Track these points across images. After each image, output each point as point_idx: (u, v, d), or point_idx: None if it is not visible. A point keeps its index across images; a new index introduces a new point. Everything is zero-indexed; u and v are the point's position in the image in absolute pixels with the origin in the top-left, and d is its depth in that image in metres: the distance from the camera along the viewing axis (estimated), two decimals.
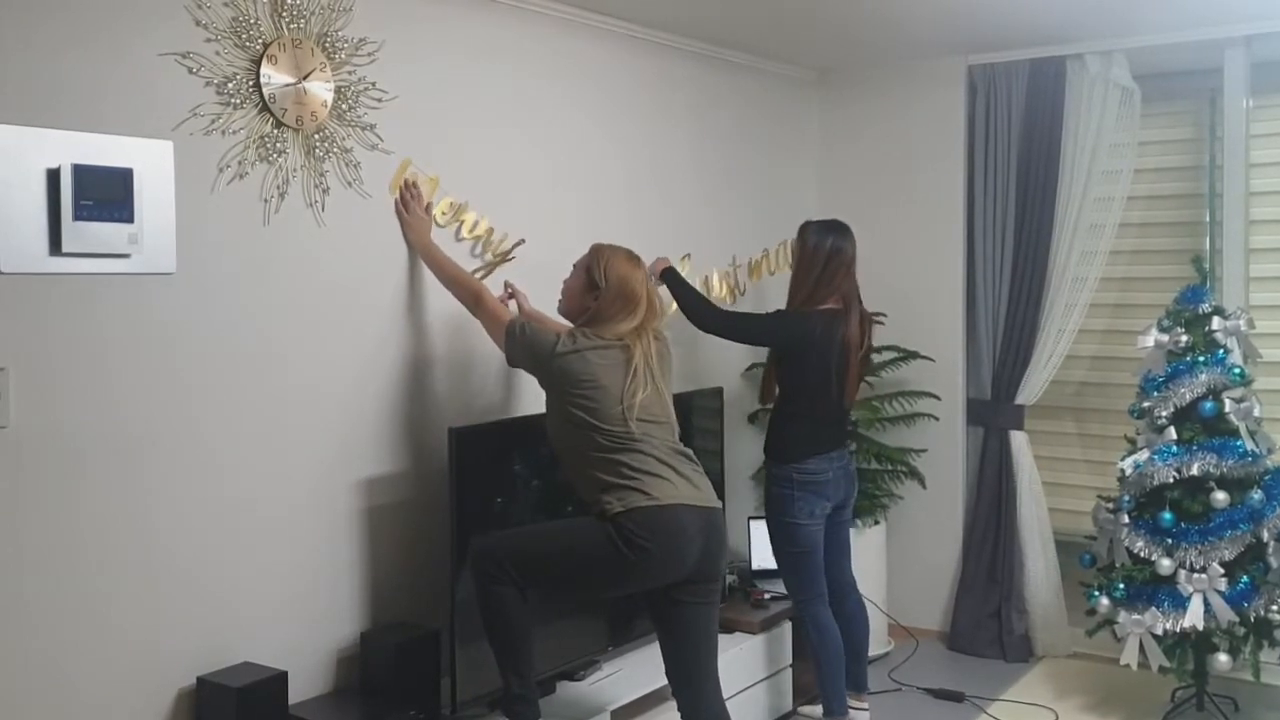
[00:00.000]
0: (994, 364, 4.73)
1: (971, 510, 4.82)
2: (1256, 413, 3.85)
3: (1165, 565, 3.73)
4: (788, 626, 4.07)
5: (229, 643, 2.87)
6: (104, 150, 2.58)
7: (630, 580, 2.96)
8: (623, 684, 3.48)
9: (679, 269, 3.95)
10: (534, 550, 3.02)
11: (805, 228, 3.83)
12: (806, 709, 4.08)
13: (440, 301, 3.42)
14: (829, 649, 3.77)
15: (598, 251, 3.14)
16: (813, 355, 3.69)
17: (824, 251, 3.73)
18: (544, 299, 3.81)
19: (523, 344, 3.05)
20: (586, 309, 3.09)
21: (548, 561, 3.01)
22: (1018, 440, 4.67)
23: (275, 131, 2.93)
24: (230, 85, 2.83)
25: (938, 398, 4.78)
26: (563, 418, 3.00)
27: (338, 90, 3.08)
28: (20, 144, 2.44)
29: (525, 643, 2.99)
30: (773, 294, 4.56)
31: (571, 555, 2.98)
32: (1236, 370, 3.82)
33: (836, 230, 3.80)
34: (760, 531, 4.38)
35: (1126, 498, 3.90)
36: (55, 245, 2.50)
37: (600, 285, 3.07)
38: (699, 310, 3.81)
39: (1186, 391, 3.80)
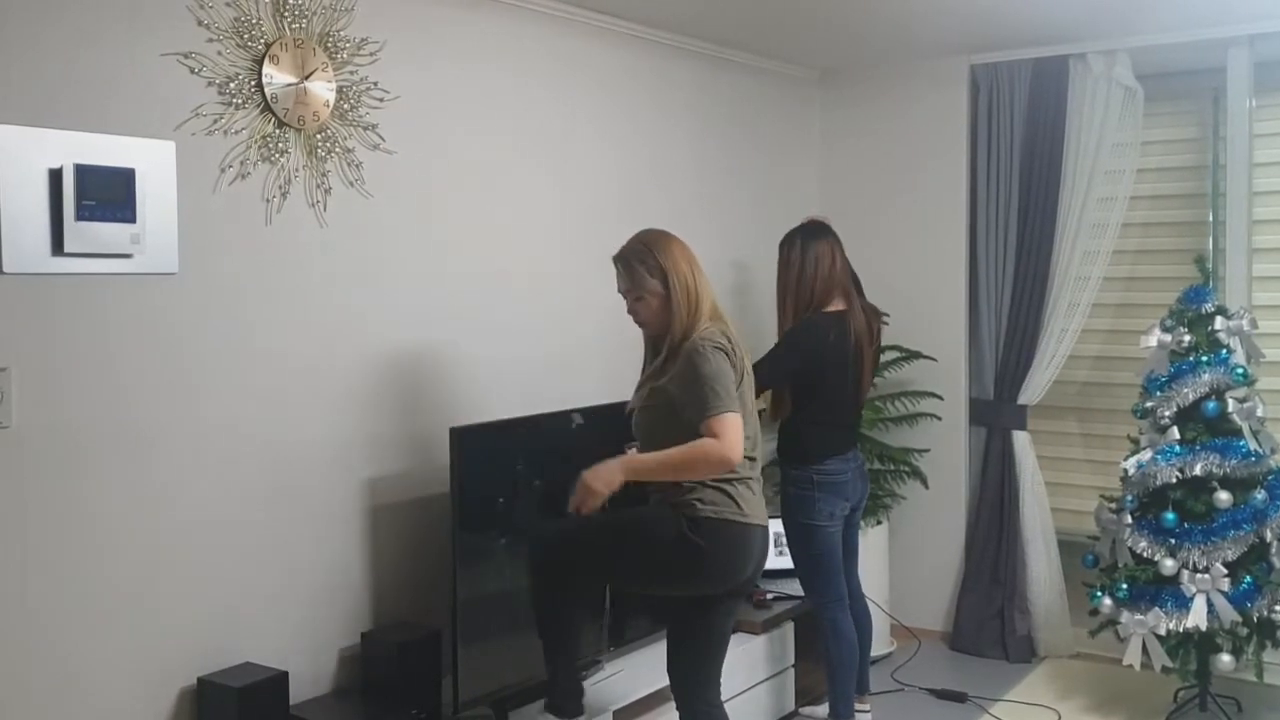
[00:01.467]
0: (997, 364, 4.72)
1: (974, 510, 4.82)
2: (1260, 413, 3.84)
3: (1168, 565, 3.73)
4: (790, 627, 4.07)
5: (230, 642, 2.87)
6: (106, 150, 2.58)
7: (687, 584, 2.88)
8: (625, 684, 3.48)
9: None
10: (597, 545, 2.94)
11: (780, 247, 3.81)
12: (808, 710, 4.08)
13: (442, 302, 3.43)
14: (844, 655, 3.75)
15: (648, 248, 2.92)
16: (830, 361, 3.66)
17: (796, 257, 3.70)
18: (541, 299, 3.81)
19: (729, 405, 2.75)
20: (671, 315, 2.87)
21: (609, 556, 2.94)
22: (1020, 440, 4.66)
23: (277, 131, 2.94)
24: (232, 85, 2.83)
25: (940, 398, 4.78)
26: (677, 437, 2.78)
27: (339, 90, 3.08)
28: (22, 144, 2.45)
29: (572, 643, 2.96)
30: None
31: (636, 552, 2.90)
32: (1239, 370, 3.82)
33: (803, 232, 3.77)
34: None
35: (1129, 498, 3.89)
36: (57, 245, 2.50)
37: (672, 280, 2.87)
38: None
39: (1189, 391, 3.79)
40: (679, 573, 2.87)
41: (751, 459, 2.88)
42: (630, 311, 2.98)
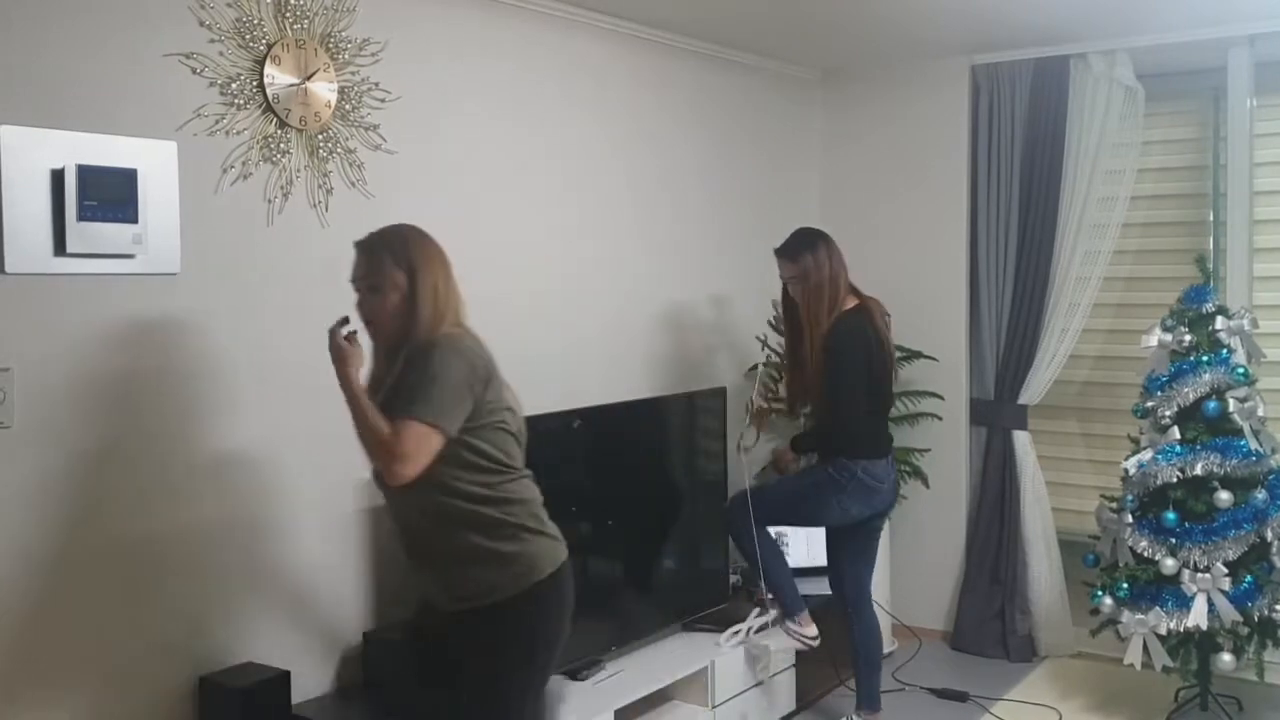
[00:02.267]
0: (997, 364, 4.72)
1: (975, 510, 4.82)
2: (1260, 412, 3.84)
3: (1169, 565, 3.73)
4: None
5: (232, 642, 2.88)
6: (108, 151, 2.58)
7: (537, 671, 2.45)
8: (626, 684, 3.48)
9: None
10: None
11: (798, 252, 3.63)
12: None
13: None
14: (777, 553, 3.75)
15: (402, 239, 2.44)
16: (873, 353, 3.63)
17: (824, 257, 3.62)
18: (542, 299, 3.82)
19: (436, 417, 2.27)
20: (411, 318, 2.40)
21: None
22: (1021, 440, 4.66)
23: (279, 132, 2.94)
24: (234, 86, 2.84)
25: (941, 397, 4.78)
26: (464, 464, 2.34)
27: (341, 91, 3.09)
28: (25, 144, 2.45)
29: None
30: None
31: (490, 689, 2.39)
32: (1240, 370, 3.82)
33: (820, 235, 3.70)
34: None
35: (1130, 497, 3.89)
36: (60, 246, 2.51)
37: (421, 277, 2.40)
38: (826, 436, 3.70)
39: (1190, 391, 3.79)
40: (544, 675, 2.46)
41: (521, 503, 2.44)
42: (359, 305, 2.45)
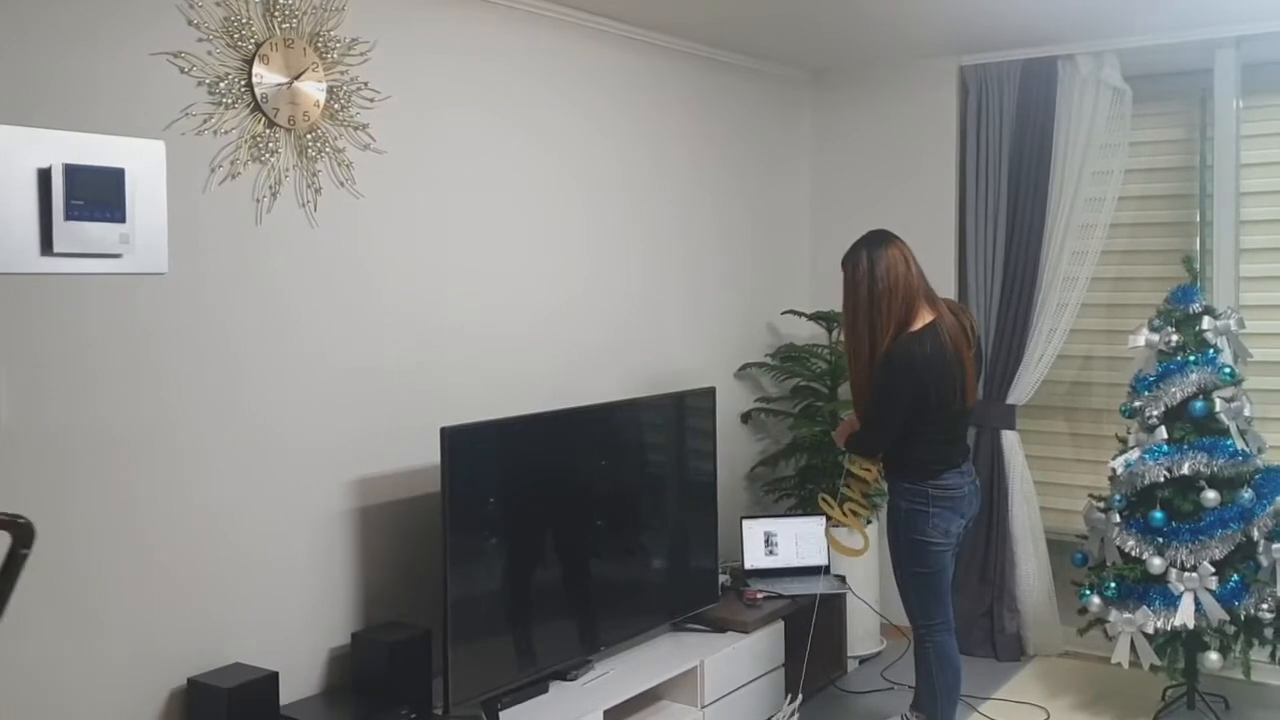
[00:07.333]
0: (985, 363, 4.73)
1: None
2: (1247, 412, 3.86)
3: (1156, 564, 3.74)
4: (780, 625, 4.07)
5: (220, 643, 2.87)
6: (95, 150, 2.57)
7: None
8: (615, 684, 3.48)
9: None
10: None
11: (845, 260, 3.46)
12: None
13: (433, 301, 3.43)
14: (950, 683, 3.52)
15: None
16: (932, 383, 3.34)
17: (864, 271, 3.37)
18: (531, 298, 3.81)
19: None
20: None
21: None
22: (1009, 439, 4.67)
23: (267, 131, 2.93)
24: (222, 85, 2.83)
25: None
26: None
27: (330, 90, 3.08)
28: (11, 143, 2.44)
29: None
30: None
31: None
32: (1227, 370, 3.84)
33: (867, 242, 3.44)
34: (753, 531, 4.39)
35: (1118, 497, 3.91)
36: (46, 245, 2.50)
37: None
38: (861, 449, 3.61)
39: (1177, 391, 3.81)
40: None
41: None
42: None
